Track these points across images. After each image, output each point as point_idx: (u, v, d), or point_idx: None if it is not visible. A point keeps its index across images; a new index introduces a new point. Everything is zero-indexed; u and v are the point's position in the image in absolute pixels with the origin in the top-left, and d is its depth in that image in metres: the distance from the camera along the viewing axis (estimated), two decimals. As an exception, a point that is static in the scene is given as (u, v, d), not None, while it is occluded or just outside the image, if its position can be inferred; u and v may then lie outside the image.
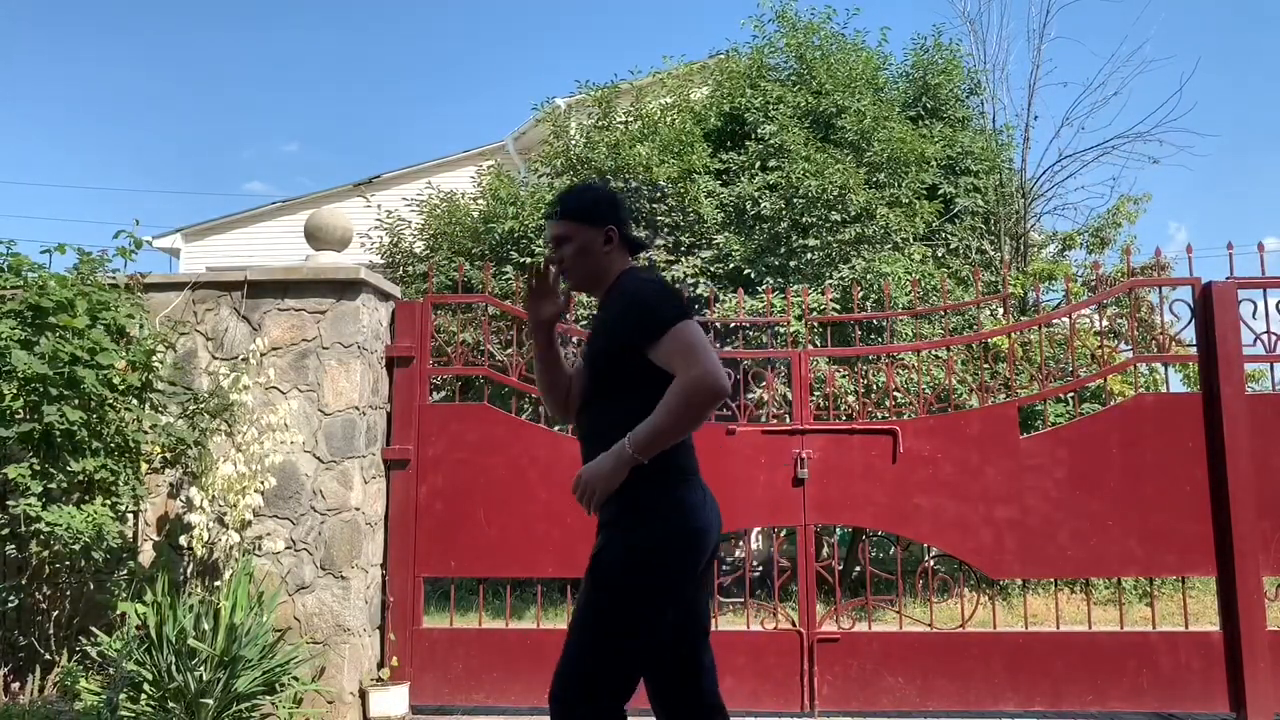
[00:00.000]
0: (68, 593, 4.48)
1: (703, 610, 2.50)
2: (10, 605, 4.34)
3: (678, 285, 8.38)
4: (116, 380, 4.33)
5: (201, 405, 4.50)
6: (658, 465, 2.29)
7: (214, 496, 4.28)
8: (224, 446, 4.45)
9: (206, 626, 4.09)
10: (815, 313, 7.35)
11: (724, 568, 8.42)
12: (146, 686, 4.02)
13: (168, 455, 4.54)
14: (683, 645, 2.45)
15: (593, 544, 2.41)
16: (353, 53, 51.31)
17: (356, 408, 4.69)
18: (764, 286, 8.46)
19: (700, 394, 2.21)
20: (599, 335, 2.51)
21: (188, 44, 49.25)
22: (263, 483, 4.38)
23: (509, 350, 5.39)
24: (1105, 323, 6.41)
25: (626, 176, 9.33)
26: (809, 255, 8.75)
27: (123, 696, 4.00)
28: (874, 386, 7.58)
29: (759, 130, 9.54)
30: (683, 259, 9.04)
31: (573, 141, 10.23)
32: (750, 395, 5.71)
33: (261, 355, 4.60)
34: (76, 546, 4.14)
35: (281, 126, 49.97)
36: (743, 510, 4.87)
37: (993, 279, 9.54)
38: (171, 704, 3.97)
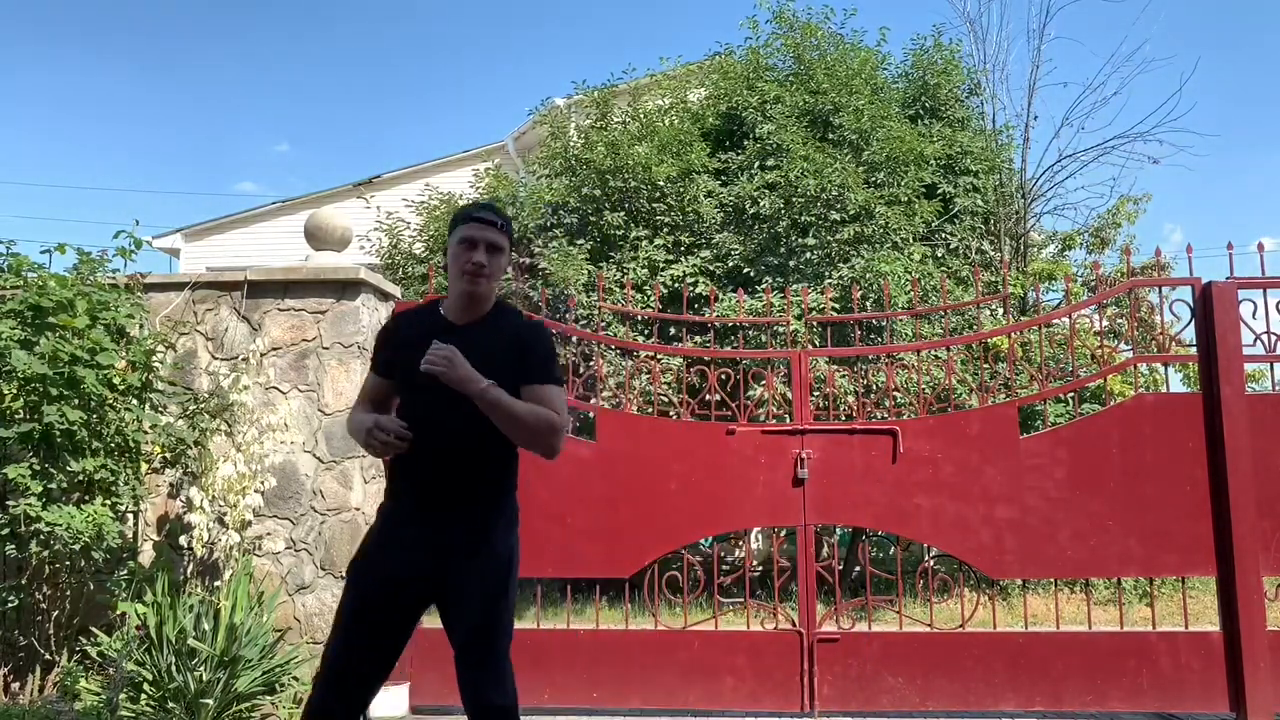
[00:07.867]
0: (68, 593, 4.48)
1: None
2: (10, 605, 4.34)
3: (677, 285, 8.39)
4: (116, 380, 4.33)
5: (201, 405, 4.50)
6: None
7: (214, 496, 4.28)
8: (224, 446, 4.45)
9: (206, 626, 4.09)
10: (815, 312, 7.36)
11: (724, 567, 8.42)
12: (146, 686, 4.03)
13: (168, 455, 4.54)
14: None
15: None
16: (350, 53, 51.31)
17: (356, 408, 4.68)
18: (763, 286, 8.46)
19: (548, 437, 2.48)
20: (501, 364, 2.51)
21: (185, 44, 49.23)
22: (263, 483, 4.38)
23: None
24: (1105, 323, 6.40)
25: (625, 176, 9.32)
26: (808, 254, 8.75)
27: (123, 696, 4.01)
28: (874, 386, 7.57)
29: (757, 130, 9.54)
30: (682, 258, 9.04)
31: (571, 142, 10.22)
32: (750, 395, 5.70)
33: (261, 355, 4.60)
34: (76, 546, 4.15)
35: (273, 127, 49.94)
36: (743, 510, 4.87)
37: (993, 279, 9.53)
38: (171, 704, 3.97)
